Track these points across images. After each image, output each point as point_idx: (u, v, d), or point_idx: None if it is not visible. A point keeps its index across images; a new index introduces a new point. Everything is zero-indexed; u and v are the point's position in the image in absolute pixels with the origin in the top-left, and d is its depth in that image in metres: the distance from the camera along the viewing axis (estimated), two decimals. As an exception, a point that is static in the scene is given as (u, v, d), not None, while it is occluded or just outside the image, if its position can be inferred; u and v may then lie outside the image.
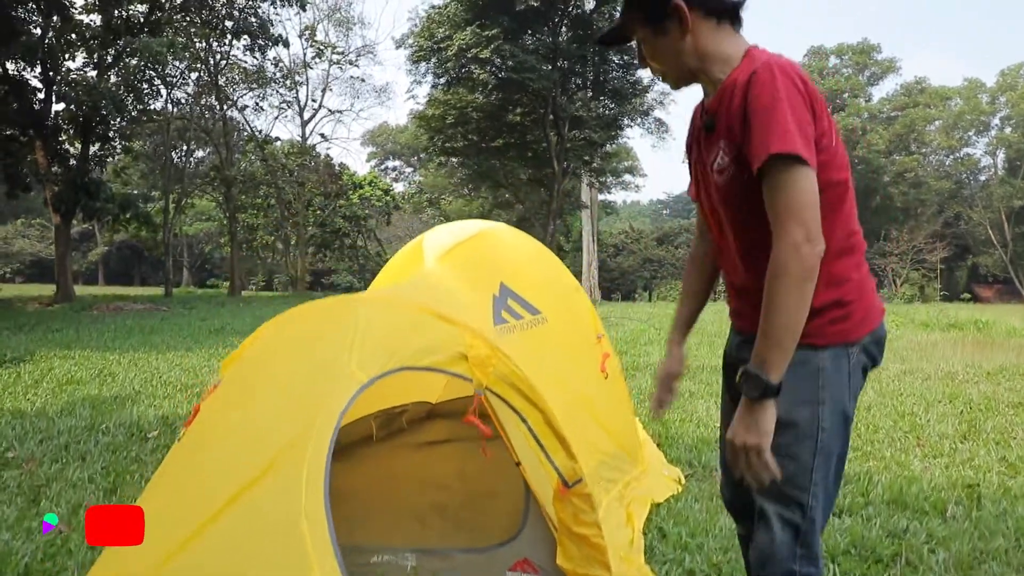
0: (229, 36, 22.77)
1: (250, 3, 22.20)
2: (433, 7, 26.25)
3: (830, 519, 2.71)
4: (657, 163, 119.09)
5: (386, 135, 52.57)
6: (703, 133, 1.55)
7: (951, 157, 48.13)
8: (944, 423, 4.76)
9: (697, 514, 3.04)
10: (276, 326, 2.11)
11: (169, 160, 24.39)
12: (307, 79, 32.79)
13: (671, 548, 2.73)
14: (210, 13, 21.55)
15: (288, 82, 30.18)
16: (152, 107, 21.15)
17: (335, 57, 31.84)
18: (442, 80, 27.32)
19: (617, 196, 60.70)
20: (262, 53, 24.10)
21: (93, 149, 19.19)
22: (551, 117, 27.75)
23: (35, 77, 18.21)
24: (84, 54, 19.12)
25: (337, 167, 35.03)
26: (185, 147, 26.46)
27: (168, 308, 16.41)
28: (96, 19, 19.02)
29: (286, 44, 23.87)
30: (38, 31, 17.66)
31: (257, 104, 28.79)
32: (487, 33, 23.81)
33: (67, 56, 18.71)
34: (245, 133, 28.37)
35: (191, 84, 24.41)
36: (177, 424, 4.50)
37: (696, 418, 4.92)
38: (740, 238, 1.53)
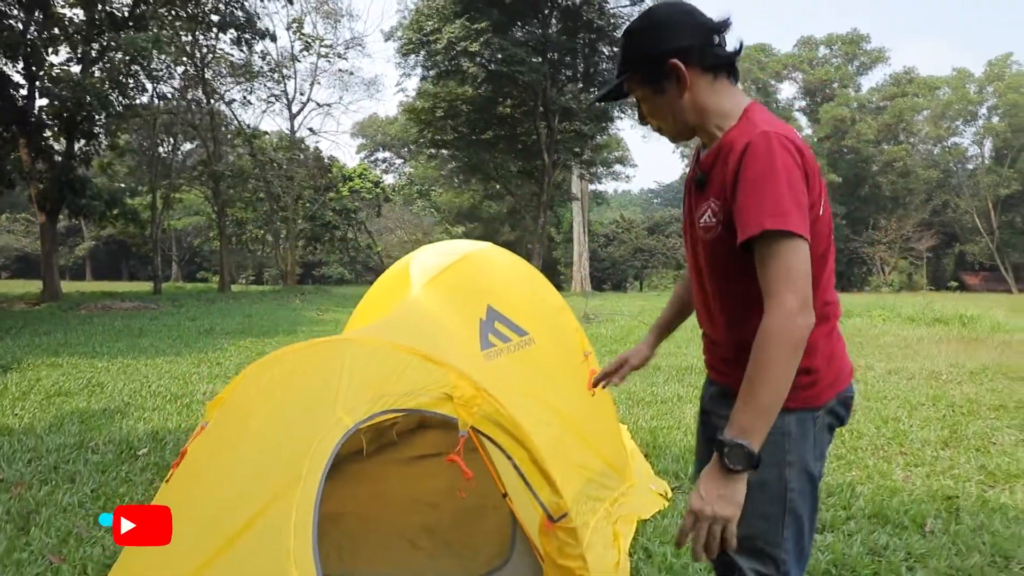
0: (215, 30, 22.55)
1: (236, -4, 22.01)
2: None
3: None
4: (648, 153, 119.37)
5: (376, 127, 52.31)
6: (694, 187, 1.56)
7: (939, 146, 48.41)
8: (927, 429, 4.83)
9: (682, 532, 3.09)
10: (261, 368, 2.12)
11: (156, 155, 24.19)
12: (295, 72, 32.57)
13: (656, 569, 2.77)
14: (196, 7, 21.31)
15: (276, 75, 29.96)
16: (138, 102, 20.94)
17: (323, 50, 31.61)
18: (431, 73, 27.21)
19: (608, 186, 60.65)
20: (249, 47, 23.89)
21: (78, 145, 18.95)
22: (541, 109, 27.71)
23: (17, 72, 17.97)
24: (67, 49, 18.88)
25: (326, 160, 34.88)
26: (172, 142, 26.23)
27: (157, 306, 16.34)
28: (79, 13, 18.78)
29: (273, 38, 23.67)
30: (19, 26, 17.44)
31: (245, 98, 28.59)
32: (476, 26, 23.71)
33: (50, 51, 18.48)
34: (233, 127, 28.15)
35: (177, 78, 24.20)
36: (167, 439, 4.51)
37: (684, 425, 4.97)
38: (719, 295, 1.56)
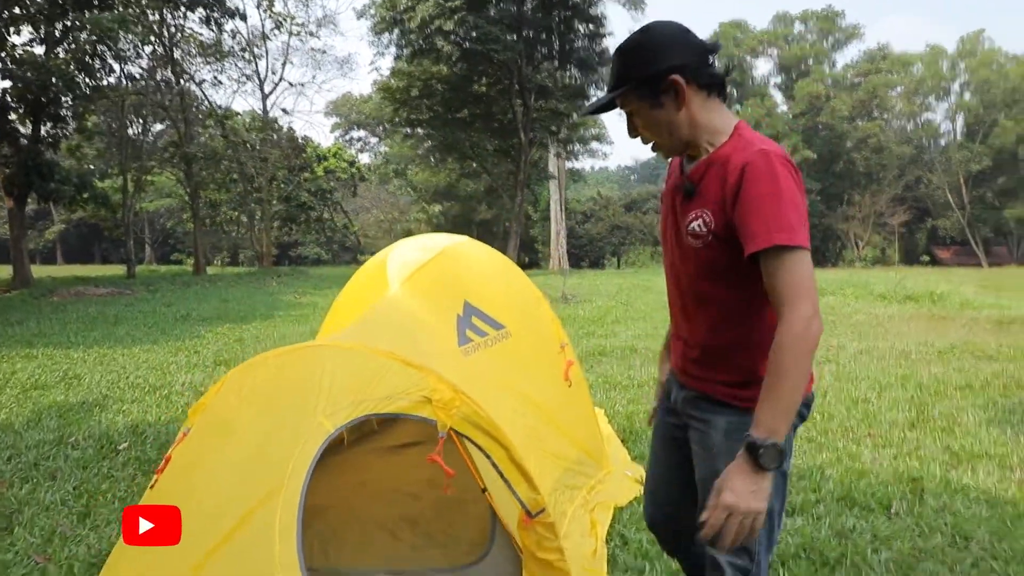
0: (183, 8, 22.07)
1: (204, -27, 21.55)
2: (394, -24, 25.73)
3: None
4: (624, 130, 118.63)
5: (350, 105, 51.65)
6: (680, 196, 1.64)
7: (912, 122, 48.96)
8: (895, 410, 4.98)
9: (658, 518, 3.17)
10: (242, 373, 2.15)
11: (126, 137, 23.71)
12: (266, 51, 31.96)
13: (632, 556, 2.86)
14: (163, -16, 20.86)
15: (247, 55, 29.41)
16: (105, 83, 20.47)
17: (295, 28, 31.05)
18: (406, 51, 26.91)
19: (585, 163, 60.69)
20: (218, 26, 23.44)
21: (44, 129, 18.56)
22: (517, 87, 27.54)
23: (-23, 54, 17.50)
24: (30, 29, 18.38)
25: (300, 140, 34.46)
26: (142, 123, 25.73)
27: (132, 291, 16.16)
28: (42, -8, 18.26)
29: (243, 17, 23.29)
30: (-22, 5, 16.94)
31: (215, 78, 28.09)
32: (450, 4, 23.44)
33: (11, 31, 17.97)
34: (204, 107, 27.67)
35: (145, 58, 23.67)
36: (147, 433, 4.51)
37: (659, 410, 5.06)
38: (699, 299, 1.65)
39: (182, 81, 25.19)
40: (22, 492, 3.46)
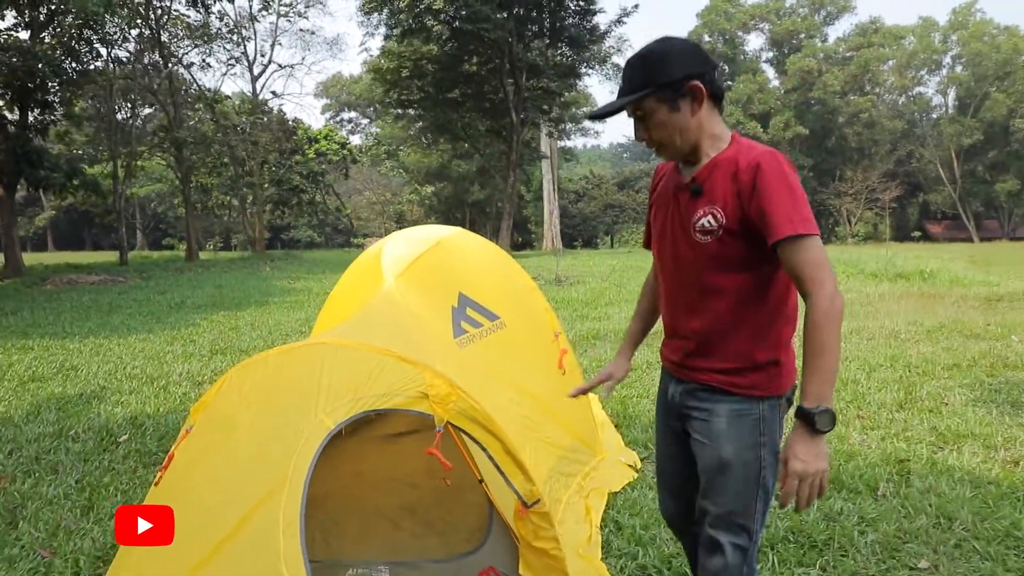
0: (169, -10, 21.79)
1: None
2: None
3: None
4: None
5: (340, 86, 51.27)
6: (686, 195, 1.74)
7: (904, 96, 48.86)
8: (884, 390, 5.06)
9: (651, 503, 3.24)
10: (243, 372, 2.19)
11: (114, 122, 23.49)
12: (255, 33, 31.69)
13: (626, 542, 2.93)
14: (148, -34, 20.55)
15: (235, 37, 29.09)
16: (92, 68, 20.24)
17: (283, 9, 30.73)
18: (395, 31, 26.65)
19: (577, 142, 60.44)
20: (205, 7, 23.14)
21: (32, 115, 18.39)
22: (508, 66, 27.35)
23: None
24: (14, 14, 18.13)
25: (291, 123, 34.22)
26: (131, 107, 25.47)
27: (125, 279, 16.12)
28: (25, -25, 17.99)
29: (231, -2, 22.93)
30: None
31: (204, 61, 27.84)
32: (440, -18, 23.20)
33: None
34: (193, 91, 27.41)
35: (132, 42, 23.38)
36: (146, 424, 4.56)
37: (653, 393, 5.12)
38: (711, 291, 1.72)
39: (170, 64, 24.93)
40: (25, 486, 3.51)
